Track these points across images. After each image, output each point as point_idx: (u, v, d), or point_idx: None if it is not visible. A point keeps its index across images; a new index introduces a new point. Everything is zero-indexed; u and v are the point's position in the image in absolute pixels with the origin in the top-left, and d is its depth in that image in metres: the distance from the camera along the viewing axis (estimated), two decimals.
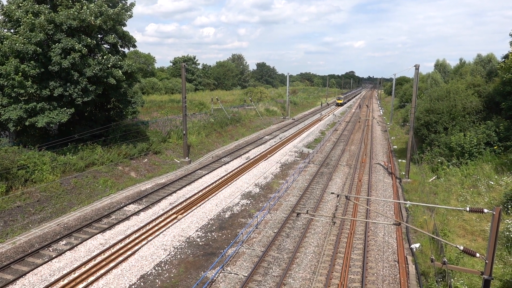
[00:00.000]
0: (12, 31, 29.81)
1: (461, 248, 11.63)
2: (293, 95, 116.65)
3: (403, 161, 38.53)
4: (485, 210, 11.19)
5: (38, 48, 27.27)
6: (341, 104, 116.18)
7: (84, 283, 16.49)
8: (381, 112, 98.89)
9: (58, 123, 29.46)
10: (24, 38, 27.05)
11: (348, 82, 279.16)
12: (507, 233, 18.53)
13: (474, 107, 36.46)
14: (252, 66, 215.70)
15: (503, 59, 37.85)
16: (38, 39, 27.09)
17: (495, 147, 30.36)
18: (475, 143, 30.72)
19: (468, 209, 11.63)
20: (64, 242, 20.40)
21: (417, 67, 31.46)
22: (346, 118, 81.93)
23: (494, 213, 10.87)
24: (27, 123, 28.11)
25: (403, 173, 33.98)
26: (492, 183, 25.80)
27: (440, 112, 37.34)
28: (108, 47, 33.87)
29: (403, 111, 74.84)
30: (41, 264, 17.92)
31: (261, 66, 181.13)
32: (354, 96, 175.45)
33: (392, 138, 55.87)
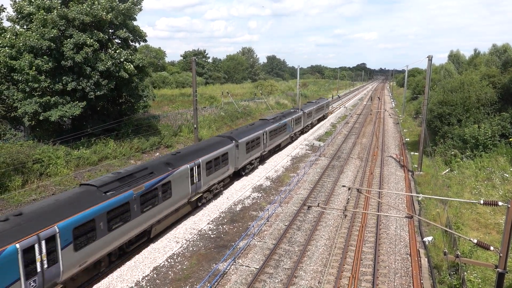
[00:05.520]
0: (25, 27, 30.25)
1: (475, 241, 11.50)
2: (303, 88, 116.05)
3: (416, 153, 38.10)
4: (500, 203, 11.02)
5: (52, 44, 27.64)
6: None
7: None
8: (393, 105, 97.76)
9: (71, 117, 29.90)
10: (38, 34, 27.43)
11: (360, 74, 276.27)
12: None
13: (488, 99, 35.76)
14: (262, 59, 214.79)
15: None
16: (52, 35, 27.43)
17: (510, 139, 29.79)
18: (490, 135, 30.19)
19: (482, 202, 11.46)
20: None
21: (430, 58, 30.95)
22: (357, 111, 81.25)
23: (509, 205, 10.70)
24: (41, 118, 28.60)
25: (416, 166, 33.63)
26: (507, 175, 25.39)
27: (454, 103, 36.73)
28: (119, 41, 34.13)
29: (415, 103, 73.84)
30: None
31: (272, 59, 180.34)
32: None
33: (404, 130, 55.26)
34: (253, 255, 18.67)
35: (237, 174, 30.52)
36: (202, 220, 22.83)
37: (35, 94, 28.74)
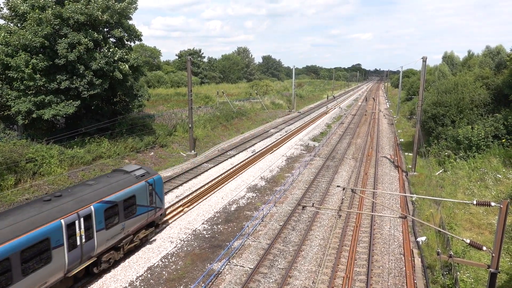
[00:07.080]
0: (19, 25, 29.94)
1: (468, 241, 11.58)
2: (299, 88, 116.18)
3: (410, 154, 38.31)
4: (492, 204, 11.11)
5: (45, 41, 27.38)
6: None
7: None
8: (388, 105, 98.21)
9: (64, 116, 29.66)
10: (31, 33, 27.19)
11: (355, 75, 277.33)
12: None
13: (482, 100, 36.03)
14: (258, 59, 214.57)
15: None
16: (45, 32, 27.21)
17: (503, 140, 30.04)
18: (483, 136, 30.42)
19: (475, 202, 11.55)
20: None
21: (424, 59, 31.13)
22: (352, 111, 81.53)
23: (502, 206, 10.79)
24: (34, 115, 28.36)
25: (410, 166, 33.81)
26: (499, 176, 25.60)
27: (448, 105, 36.97)
28: (114, 40, 33.90)
29: (410, 104, 74.21)
30: None
31: (267, 59, 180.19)
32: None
33: (399, 131, 55.54)
34: (248, 255, 18.67)
35: None
36: (196, 220, 22.78)
37: (30, 92, 28.49)
